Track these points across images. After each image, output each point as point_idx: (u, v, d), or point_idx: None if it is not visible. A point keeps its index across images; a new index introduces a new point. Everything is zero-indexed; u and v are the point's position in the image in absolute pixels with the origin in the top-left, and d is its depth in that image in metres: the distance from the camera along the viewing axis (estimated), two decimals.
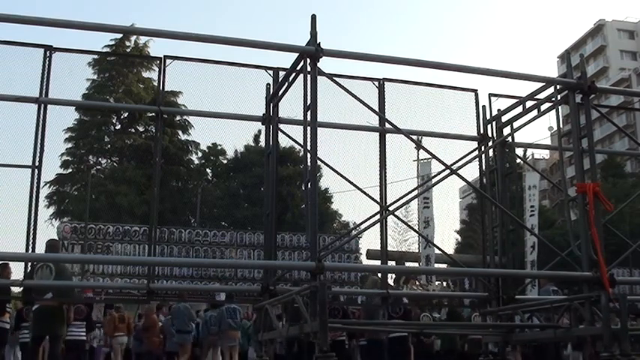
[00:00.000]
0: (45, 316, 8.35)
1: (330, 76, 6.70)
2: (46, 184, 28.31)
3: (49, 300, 8.14)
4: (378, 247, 8.57)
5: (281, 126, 7.81)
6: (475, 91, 8.72)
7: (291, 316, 6.67)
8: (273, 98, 7.82)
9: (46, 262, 7.88)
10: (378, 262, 10.39)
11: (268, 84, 7.96)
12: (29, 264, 7.33)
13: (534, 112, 7.97)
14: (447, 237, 32.54)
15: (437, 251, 17.40)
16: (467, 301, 10.57)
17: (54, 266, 7.89)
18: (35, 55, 7.26)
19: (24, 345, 10.77)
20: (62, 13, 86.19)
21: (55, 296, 8.14)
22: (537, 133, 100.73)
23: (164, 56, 7.73)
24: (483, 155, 8.60)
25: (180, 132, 32.98)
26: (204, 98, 8.10)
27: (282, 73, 7.70)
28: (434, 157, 7.34)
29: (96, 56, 23.99)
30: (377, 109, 7.76)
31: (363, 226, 8.15)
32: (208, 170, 35.25)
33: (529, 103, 8.13)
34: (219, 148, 32.45)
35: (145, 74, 32.94)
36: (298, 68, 6.78)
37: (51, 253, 8.43)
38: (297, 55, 6.69)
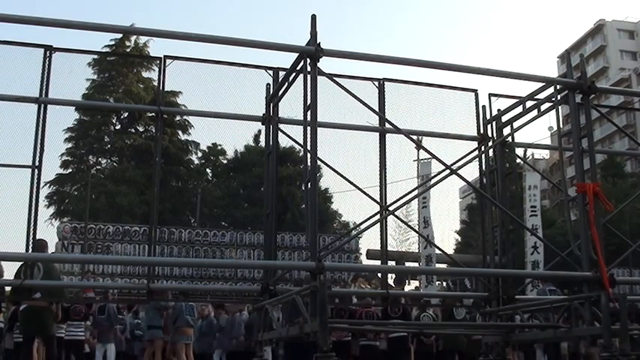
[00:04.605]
0: (33, 316, 8.31)
1: (330, 76, 6.69)
2: (46, 184, 28.34)
3: (38, 300, 8.07)
4: (378, 247, 8.56)
5: (281, 126, 7.80)
6: (475, 91, 8.70)
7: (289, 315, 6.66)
8: (273, 98, 7.81)
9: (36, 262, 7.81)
10: (378, 262, 10.40)
11: (268, 84, 7.94)
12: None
13: (534, 112, 7.96)
14: (446, 237, 32.56)
15: (437, 251, 17.38)
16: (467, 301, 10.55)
17: (42, 265, 7.82)
18: (35, 55, 7.23)
19: (18, 345, 10.72)
20: (62, 13, 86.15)
21: (44, 296, 8.10)
22: (537, 133, 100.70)
23: (164, 56, 7.71)
24: (483, 155, 8.58)
25: (180, 132, 33.01)
26: (204, 98, 8.09)
27: (282, 73, 7.68)
28: (434, 157, 7.32)
29: (96, 56, 23.99)
30: (377, 109, 7.75)
31: (363, 226, 8.13)
32: (208, 170, 35.25)
33: (529, 103, 8.12)
34: (219, 148, 32.45)
35: (145, 74, 32.95)
36: (298, 68, 6.77)
37: (51, 254, 8.41)
38: (297, 55, 6.68)
